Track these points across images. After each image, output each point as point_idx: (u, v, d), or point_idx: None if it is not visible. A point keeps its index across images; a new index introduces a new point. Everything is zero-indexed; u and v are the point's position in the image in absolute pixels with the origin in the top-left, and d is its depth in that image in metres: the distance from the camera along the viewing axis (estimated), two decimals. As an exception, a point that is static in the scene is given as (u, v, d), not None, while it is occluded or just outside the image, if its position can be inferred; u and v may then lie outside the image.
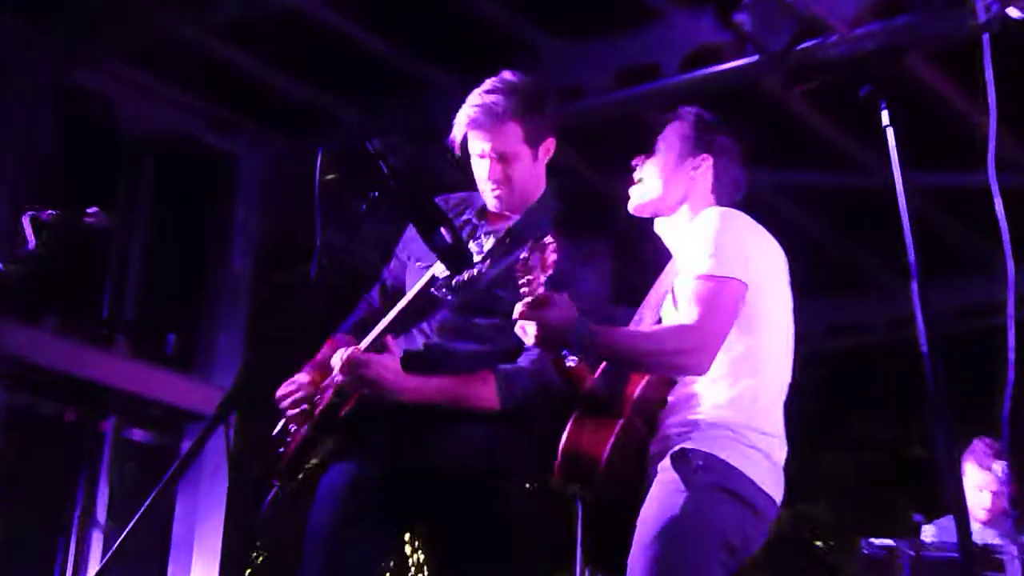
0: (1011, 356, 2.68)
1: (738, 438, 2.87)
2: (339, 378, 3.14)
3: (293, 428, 3.28)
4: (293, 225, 6.75)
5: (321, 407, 3.21)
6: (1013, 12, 4.54)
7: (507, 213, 3.39)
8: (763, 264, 2.98)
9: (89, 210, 3.48)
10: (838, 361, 8.18)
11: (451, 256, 3.06)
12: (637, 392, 2.93)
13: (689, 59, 5.79)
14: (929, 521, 5.45)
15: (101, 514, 6.26)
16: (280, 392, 3.29)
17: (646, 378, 2.95)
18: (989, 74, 3.04)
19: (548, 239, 2.80)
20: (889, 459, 8.58)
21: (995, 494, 5.47)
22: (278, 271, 6.86)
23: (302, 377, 3.31)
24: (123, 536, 2.56)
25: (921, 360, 2.29)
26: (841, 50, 5.19)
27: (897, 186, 2.46)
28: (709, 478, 2.81)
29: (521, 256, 2.82)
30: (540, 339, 2.79)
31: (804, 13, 5.14)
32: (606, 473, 2.84)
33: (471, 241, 3.32)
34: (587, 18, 5.99)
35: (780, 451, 2.97)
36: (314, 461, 3.27)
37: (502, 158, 3.30)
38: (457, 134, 3.37)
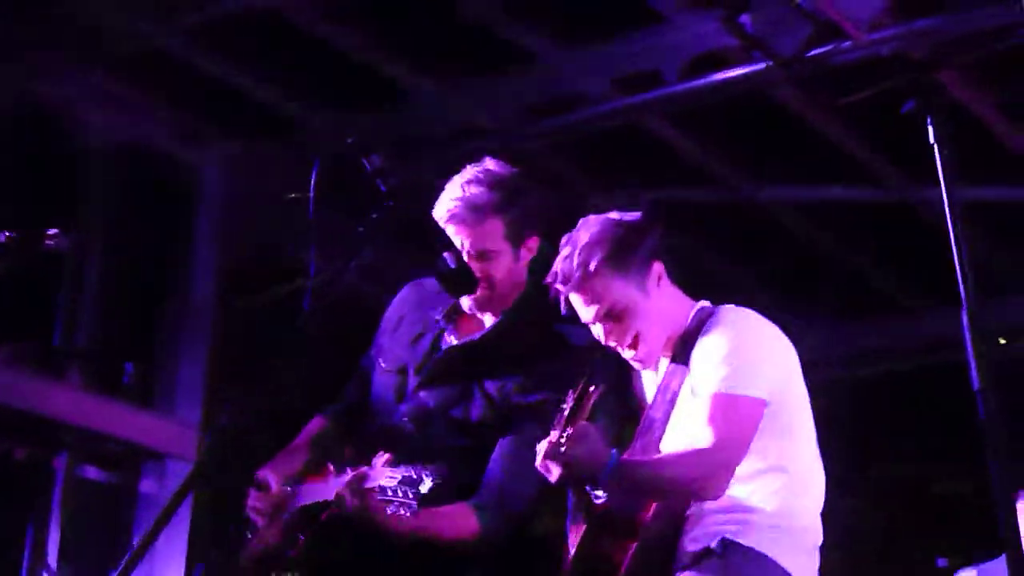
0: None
1: (786, 535, 3.03)
2: (285, 516, 3.12)
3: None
4: (260, 242, 6.81)
5: (266, 547, 3.20)
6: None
7: (479, 315, 3.43)
8: (779, 368, 3.10)
9: (49, 231, 3.54)
10: (859, 391, 8.16)
11: (454, 282, 3.19)
12: (652, 510, 3.02)
13: (692, 65, 5.86)
14: (958, 567, 5.53)
15: (52, 558, 6.27)
16: (250, 502, 3.31)
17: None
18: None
19: (592, 388, 2.89)
20: (911, 499, 8.69)
21: None
22: (245, 293, 6.89)
23: (268, 493, 3.29)
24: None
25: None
26: (855, 56, 5.28)
27: (946, 210, 2.54)
28: (756, 571, 2.97)
29: (566, 405, 2.88)
30: (566, 477, 2.90)
31: (817, 16, 5.19)
32: None
33: (433, 354, 3.35)
34: (584, 21, 6.03)
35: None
36: None
37: (482, 256, 3.32)
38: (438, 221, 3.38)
